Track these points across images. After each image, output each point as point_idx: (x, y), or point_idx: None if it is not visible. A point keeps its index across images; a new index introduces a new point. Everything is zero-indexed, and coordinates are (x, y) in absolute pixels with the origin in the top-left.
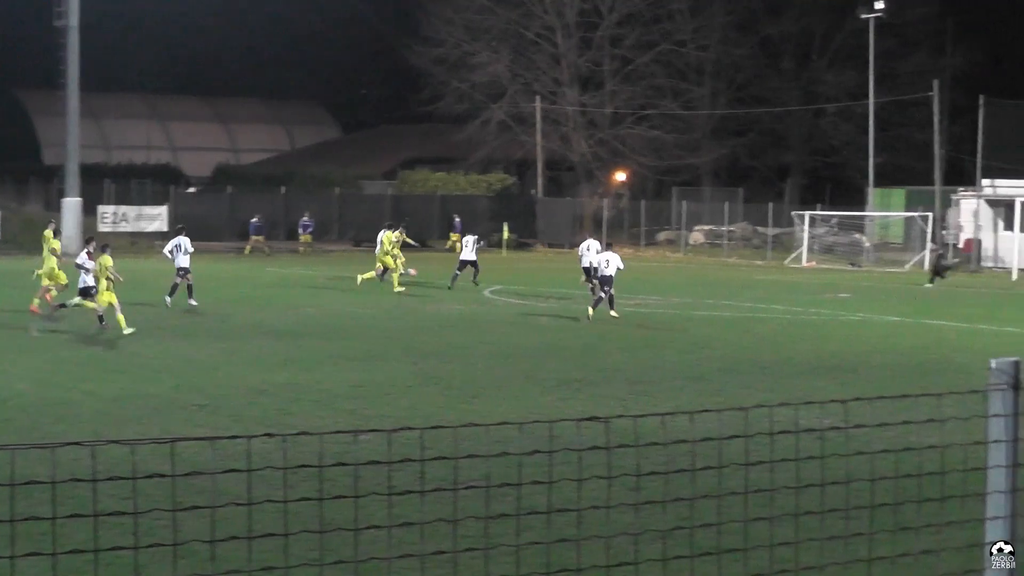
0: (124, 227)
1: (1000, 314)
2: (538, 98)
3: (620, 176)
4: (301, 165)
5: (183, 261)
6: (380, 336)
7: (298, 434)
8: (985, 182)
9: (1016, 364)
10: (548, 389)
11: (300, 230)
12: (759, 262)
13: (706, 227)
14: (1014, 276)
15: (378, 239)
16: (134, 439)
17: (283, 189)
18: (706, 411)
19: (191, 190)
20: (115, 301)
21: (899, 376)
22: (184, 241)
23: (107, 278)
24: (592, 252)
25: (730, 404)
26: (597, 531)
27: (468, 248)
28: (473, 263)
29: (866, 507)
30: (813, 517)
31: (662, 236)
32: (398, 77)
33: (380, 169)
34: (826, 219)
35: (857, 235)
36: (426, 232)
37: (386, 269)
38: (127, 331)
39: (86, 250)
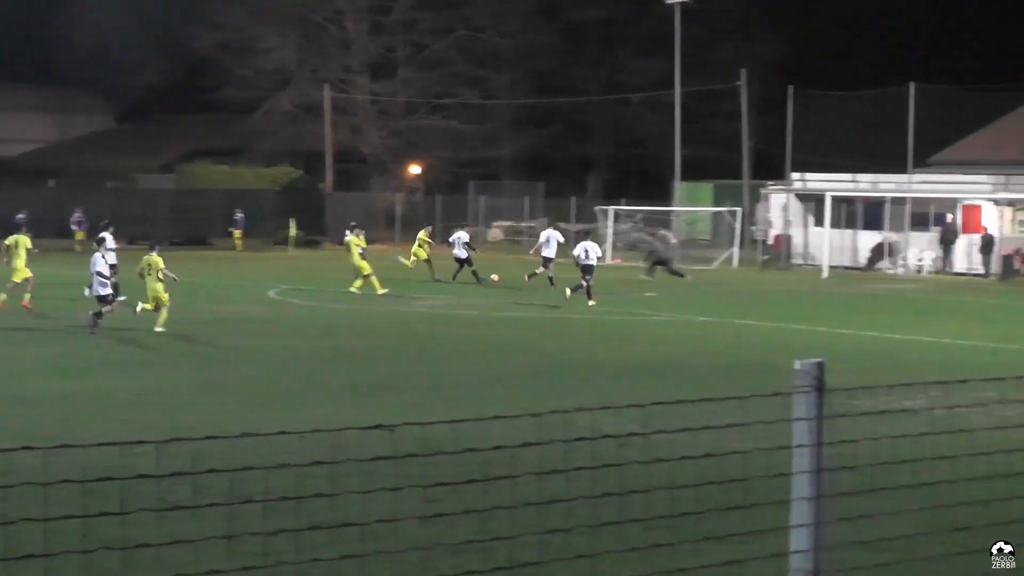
0: None
1: (811, 313)
2: (327, 86)
3: (415, 169)
4: (72, 157)
5: None
6: (159, 340)
7: (58, 447)
8: (795, 175)
9: (820, 365)
10: (338, 396)
11: (73, 227)
12: (562, 260)
13: (505, 223)
14: (825, 273)
15: (345, 241)
16: None
17: (51, 183)
18: (498, 417)
19: None
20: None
21: (706, 379)
22: None
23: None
24: (553, 244)
25: (530, 410)
26: (384, 546)
27: (457, 246)
28: (467, 260)
29: (668, 516)
30: (613, 528)
31: (454, 235)
32: (178, 63)
33: (158, 161)
34: (631, 214)
35: (663, 231)
36: (207, 229)
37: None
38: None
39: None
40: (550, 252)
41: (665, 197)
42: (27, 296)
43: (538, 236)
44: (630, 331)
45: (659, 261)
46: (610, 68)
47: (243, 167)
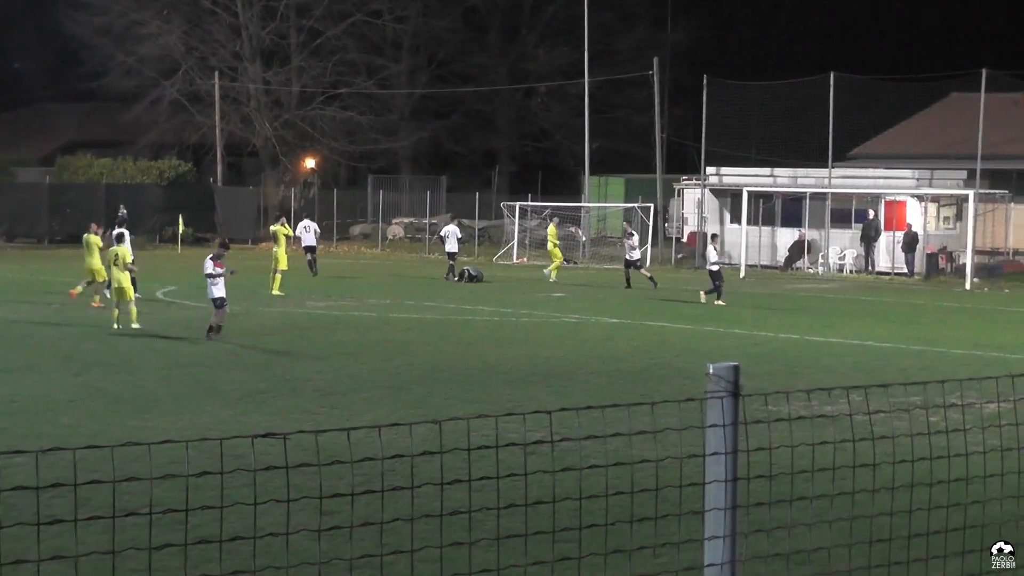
0: None
1: (726, 314)
2: (216, 74)
3: (309, 162)
4: None
5: None
6: (37, 344)
7: None
8: (710, 170)
9: (735, 369)
10: (229, 402)
11: None
12: (465, 258)
13: (406, 219)
14: (742, 273)
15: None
16: None
17: None
18: (396, 425)
19: None
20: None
21: (617, 383)
22: None
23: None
24: (453, 240)
25: (431, 416)
26: (277, 561)
27: (450, 240)
28: (452, 255)
29: (574, 528)
30: (517, 541)
31: (357, 230)
32: (57, 49)
33: (36, 154)
34: (538, 210)
35: (572, 228)
36: (87, 226)
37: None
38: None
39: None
40: (452, 247)
41: (574, 192)
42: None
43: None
44: (537, 333)
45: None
46: (515, 56)
47: (127, 160)
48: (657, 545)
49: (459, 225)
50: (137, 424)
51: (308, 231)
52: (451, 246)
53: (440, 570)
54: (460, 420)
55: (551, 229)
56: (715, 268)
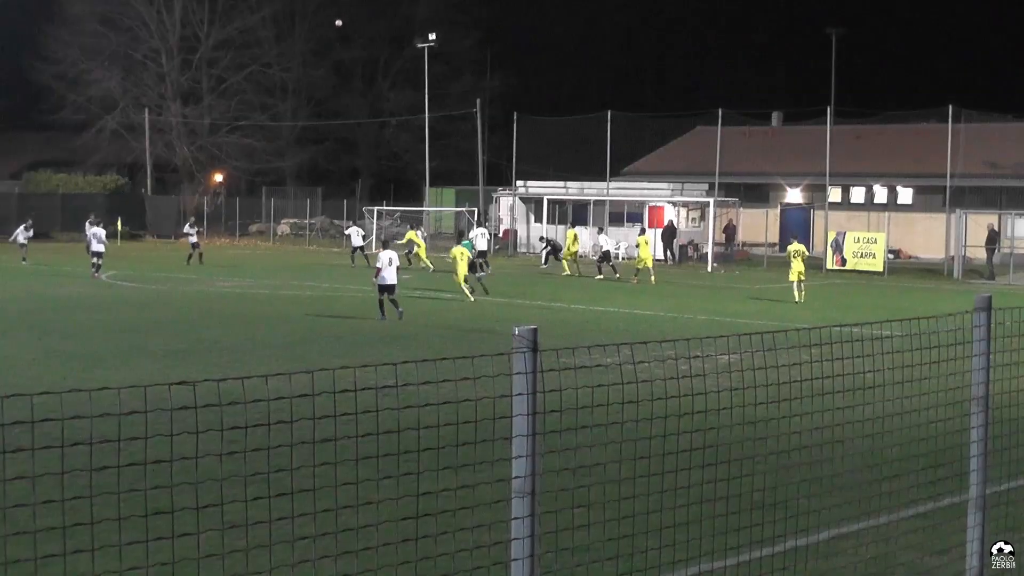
0: None
1: (530, 291)
2: (146, 110)
3: (218, 177)
4: None
5: None
6: (5, 316)
7: None
8: (519, 183)
9: (534, 331)
10: (156, 359)
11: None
12: (335, 250)
13: (291, 220)
14: (543, 261)
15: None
16: None
17: None
18: (280, 374)
19: None
20: None
21: (449, 343)
22: None
23: None
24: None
25: (306, 367)
26: (188, 479)
27: (479, 240)
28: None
29: (413, 452)
30: (371, 461)
31: (254, 228)
32: (23, 90)
33: (7, 170)
34: (391, 213)
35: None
36: (49, 225)
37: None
38: None
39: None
40: (358, 242)
41: (418, 199)
42: None
43: (318, 231)
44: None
45: (556, 249)
46: (372, 97)
47: (78, 175)
48: (476, 463)
49: (360, 226)
50: (85, 376)
51: (357, 235)
52: (356, 241)
53: (313, 483)
54: (328, 371)
55: (411, 235)
56: (605, 250)
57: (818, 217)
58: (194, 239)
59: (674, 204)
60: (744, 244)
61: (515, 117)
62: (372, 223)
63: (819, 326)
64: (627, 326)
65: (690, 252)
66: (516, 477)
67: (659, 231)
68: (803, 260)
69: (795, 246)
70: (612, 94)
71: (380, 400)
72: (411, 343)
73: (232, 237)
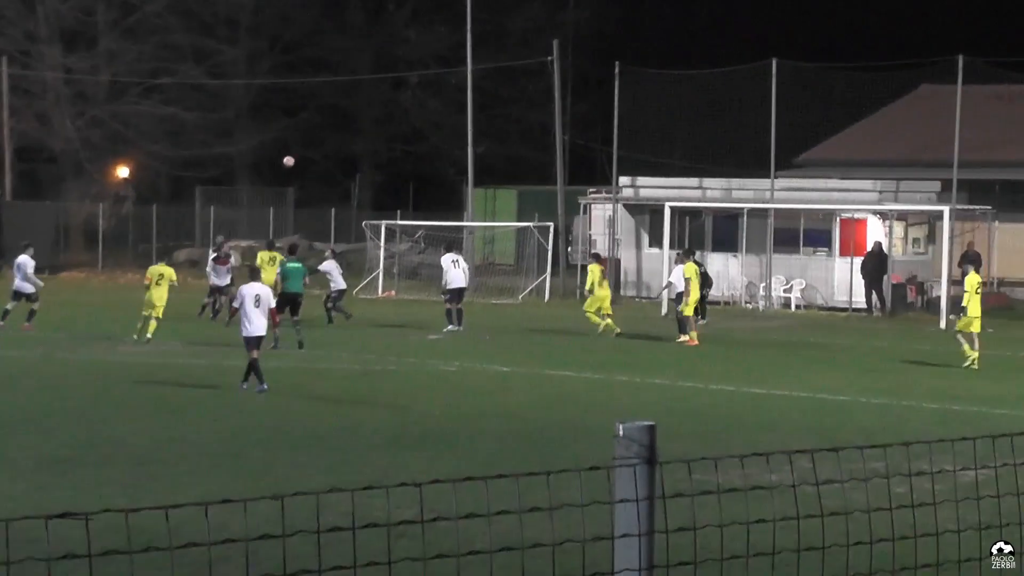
0: None
1: (642, 361)
2: (4, 59)
3: (122, 171)
4: None
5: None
6: None
7: None
8: (624, 180)
9: (651, 429)
10: (21, 473)
11: None
12: (317, 291)
13: (244, 242)
14: (664, 309)
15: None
16: None
17: None
18: (228, 501)
19: None
20: None
21: (506, 448)
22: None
23: None
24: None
25: (274, 490)
26: None
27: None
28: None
29: None
30: None
31: (183, 255)
32: None
33: None
34: (410, 231)
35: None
36: None
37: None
38: None
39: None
40: (338, 284)
41: (454, 208)
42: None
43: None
44: (410, 386)
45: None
46: (381, 38)
47: None
48: None
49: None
50: None
51: (458, 266)
52: (338, 283)
53: None
54: (309, 495)
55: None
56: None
57: None
58: (460, 281)
59: (883, 216)
60: (1002, 281)
61: (616, 70)
62: (378, 247)
63: None
64: (806, 419)
65: (910, 295)
66: None
67: (855, 260)
68: None
69: None
70: (777, 32)
71: (393, 544)
72: (443, 448)
73: (143, 269)
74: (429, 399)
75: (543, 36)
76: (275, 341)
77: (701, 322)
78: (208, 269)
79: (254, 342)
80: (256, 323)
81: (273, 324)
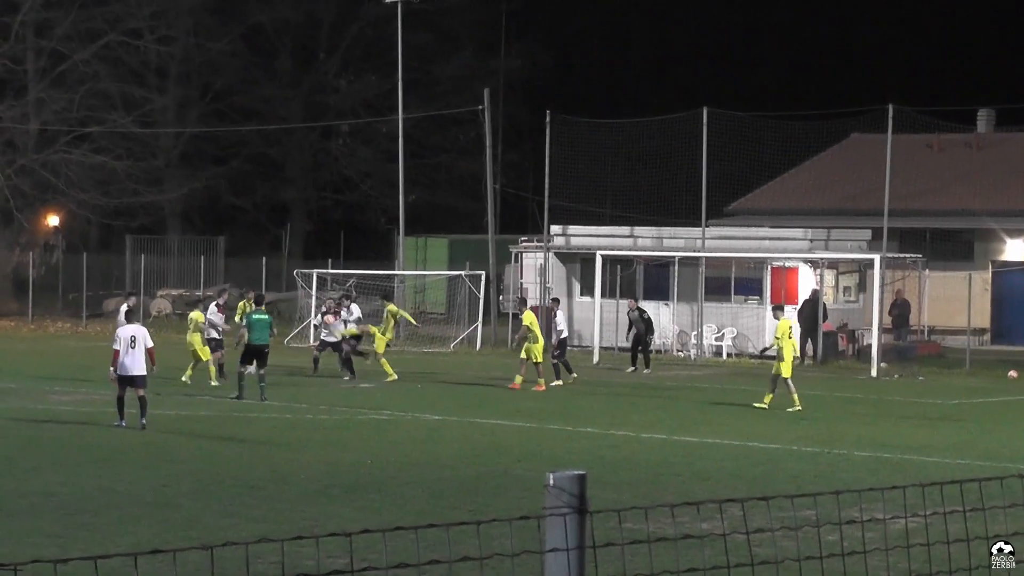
0: None
1: (575, 409)
2: None
3: (52, 219)
4: None
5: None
6: None
7: None
8: (555, 229)
9: (581, 479)
10: None
11: None
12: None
13: (174, 292)
14: (595, 357)
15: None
16: None
17: None
18: (158, 551)
19: None
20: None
21: (437, 497)
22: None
23: None
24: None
25: (203, 540)
26: None
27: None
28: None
29: None
30: None
31: (112, 304)
32: None
33: None
34: (341, 280)
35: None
36: None
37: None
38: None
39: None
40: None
41: (385, 257)
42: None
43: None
44: (340, 434)
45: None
46: (311, 87)
47: None
48: None
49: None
50: None
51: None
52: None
53: None
54: (239, 545)
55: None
56: (564, 335)
57: None
58: (339, 328)
59: (814, 264)
60: (933, 329)
61: (547, 119)
62: (309, 295)
63: None
64: (738, 468)
65: (841, 343)
66: None
67: (790, 308)
68: None
69: None
70: (705, 81)
71: None
72: (373, 496)
73: (75, 321)
74: (360, 448)
75: (474, 84)
76: (239, 391)
77: (646, 372)
78: (317, 324)
79: (128, 380)
80: (135, 363)
81: (151, 364)
